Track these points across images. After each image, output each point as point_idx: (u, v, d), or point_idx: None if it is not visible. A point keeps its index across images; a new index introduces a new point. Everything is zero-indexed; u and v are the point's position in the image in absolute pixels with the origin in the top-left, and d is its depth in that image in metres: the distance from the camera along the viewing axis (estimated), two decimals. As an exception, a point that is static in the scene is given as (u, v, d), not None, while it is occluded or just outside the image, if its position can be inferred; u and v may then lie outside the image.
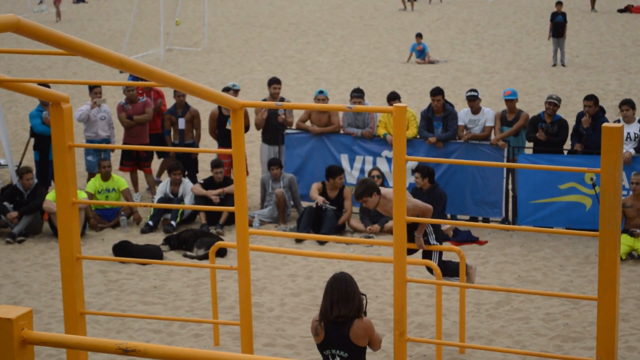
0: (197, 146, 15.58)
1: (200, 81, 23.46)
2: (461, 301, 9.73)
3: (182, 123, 15.41)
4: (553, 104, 13.99)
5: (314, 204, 14.21)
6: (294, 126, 15.23)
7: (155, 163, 16.42)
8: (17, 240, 13.77)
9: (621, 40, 30.93)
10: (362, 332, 6.66)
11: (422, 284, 11.38)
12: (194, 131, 15.59)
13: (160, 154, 16.28)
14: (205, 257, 12.60)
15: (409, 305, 10.37)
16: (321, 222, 13.99)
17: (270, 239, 13.63)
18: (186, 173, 15.12)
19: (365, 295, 6.92)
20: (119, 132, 16.68)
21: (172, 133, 15.54)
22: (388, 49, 30.39)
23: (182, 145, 15.31)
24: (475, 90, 14.64)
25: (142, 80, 7.22)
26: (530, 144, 14.32)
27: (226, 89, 15.27)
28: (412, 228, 9.19)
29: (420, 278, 10.97)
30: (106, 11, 41.68)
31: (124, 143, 15.83)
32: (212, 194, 14.42)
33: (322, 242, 13.48)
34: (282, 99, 15.72)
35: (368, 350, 6.88)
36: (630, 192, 13.01)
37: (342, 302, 6.65)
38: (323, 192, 14.19)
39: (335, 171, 14.06)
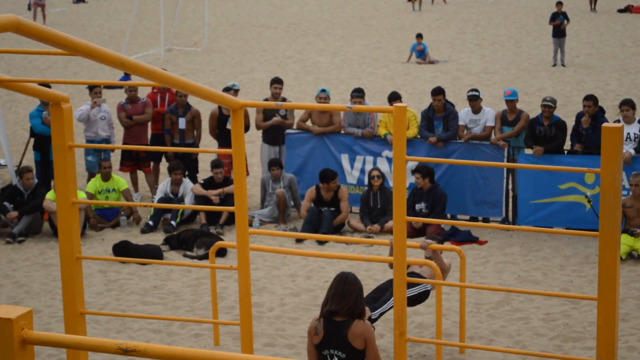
0: (197, 146, 15.57)
1: (200, 81, 23.46)
2: (461, 301, 9.74)
3: (182, 123, 15.39)
4: (548, 106, 13.89)
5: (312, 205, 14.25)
6: (294, 126, 15.23)
7: (163, 165, 16.21)
8: (17, 240, 13.78)
9: (621, 41, 30.93)
10: (359, 332, 6.65)
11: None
12: (195, 131, 15.57)
13: (161, 154, 16.16)
14: (205, 257, 12.61)
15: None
16: (320, 222, 14.00)
17: (270, 238, 13.63)
18: (186, 173, 15.12)
19: (374, 328, 6.92)
20: (119, 132, 16.68)
21: (172, 132, 15.51)
22: (388, 49, 30.39)
23: (182, 145, 15.30)
24: (476, 90, 14.63)
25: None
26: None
27: (226, 89, 15.27)
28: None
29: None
30: (106, 11, 41.66)
31: (123, 143, 15.82)
32: (212, 194, 14.42)
33: (321, 242, 13.49)
34: (284, 99, 15.72)
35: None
36: (630, 193, 13.00)
37: (336, 298, 6.66)
38: (317, 195, 14.19)
39: (328, 176, 14.05)
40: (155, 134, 15.86)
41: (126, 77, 23.51)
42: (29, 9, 41.65)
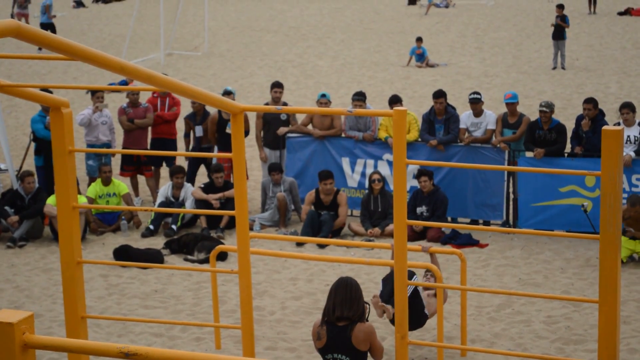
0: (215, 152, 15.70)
1: (201, 85, 23.47)
2: (462, 304, 9.74)
3: (199, 130, 15.51)
4: (543, 112, 13.84)
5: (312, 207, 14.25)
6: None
7: (164, 169, 16.24)
8: (18, 244, 13.78)
9: (621, 43, 30.94)
10: (364, 336, 6.66)
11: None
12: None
13: (162, 159, 16.06)
14: (206, 260, 12.61)
15: (410, 308, 10.37)
16: (320, 226, 14.00)
17: (271, 242, 13.62)
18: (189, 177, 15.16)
19: (369, 305, 6.93)
20: (120, 137, 16.69)
21: (191, 137, 15.66)
22: (388, 53, 30.40)
23: (198, 149, 15.37)
24: (478, 93, 14.62)
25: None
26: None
27: (227, 93, 15.28)
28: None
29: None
30: (106, 16, 41.66)
31: (123, 148, 15.82)
32: (213, 198, 14.42)
33: (322, 246, 13.48)
34: (285, 104, 15.73)
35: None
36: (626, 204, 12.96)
37: (345, 304, 6.66)
38: (317, 198, 14.19)
39: (323, 175, 14.07)
40: (155, 139, 15.88)
41: (123, 80, 23.53)
42: (12, 17, 41.59)
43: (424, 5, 41.35)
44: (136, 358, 3.49)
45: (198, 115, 15.56)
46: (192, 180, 15.46)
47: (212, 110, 15.45)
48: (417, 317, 9.47)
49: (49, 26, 32.21)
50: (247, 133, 14.41)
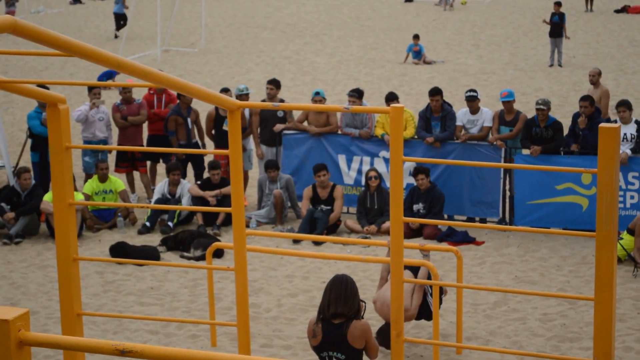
0: (204, 145, 15.64)
1: (197, 82, 23.45)
2: (458, 301, 9.74)
3: (188, 124, 15.39)
4: (540, 109, 13.85)
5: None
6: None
7: (160, 166, 16.22)
8: (14, 241, 13.77)
9: (618, 41, 30.95)
10: (359, 333, 6.66)
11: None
12: (197, 131, 15.60)
13: (158, 155, 16.04)
14: (202, 258, 12.60)
15: (406, 305, 10.37)
16: (316, 223, 14.01)
17: (267, 239, 13.63)
18: (193, 172, 15.07)
19: (365, 302, 6.93)
20: (116, 133, 16.67)
21: (177, 134, 15.37)
22: (385, 50, 30.40)
23: (188, 145, 15.22)
24: (474, 91, 14.62)
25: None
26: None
27: (224, 90, 15.26)
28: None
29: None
30: (103, 12, 41.59)
31: (118, 144, 15.80)
32: (209, 195, 14.41)
33: (318, 243, 13.48)
34: (282, 101, 15.72)
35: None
36: None
37: (340, 300, 6.66)
38: (314, 193, 14.20)
39: (316, 168, 14.11)
40: (151, 135, 15.84)
41: (108, 71, 23.55)
42: None
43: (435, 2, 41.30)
44: (132, 355, 3.49)
45: (184, 109, 15.40)
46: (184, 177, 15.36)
47: (203, 106, 15.41)
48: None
49: (122, 16, 32.84)
50: (244, 130, 14.40)
